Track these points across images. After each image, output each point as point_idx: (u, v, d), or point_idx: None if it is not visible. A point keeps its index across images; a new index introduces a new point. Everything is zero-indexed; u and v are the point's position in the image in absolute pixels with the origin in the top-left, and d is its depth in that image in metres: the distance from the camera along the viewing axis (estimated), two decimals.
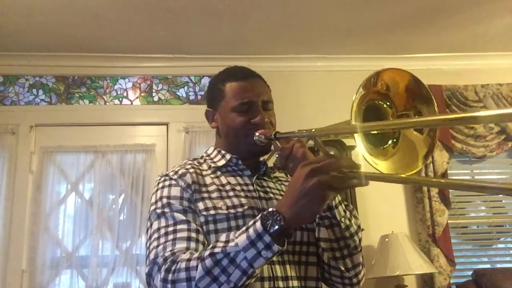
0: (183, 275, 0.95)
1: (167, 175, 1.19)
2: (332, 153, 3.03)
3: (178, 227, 1.07)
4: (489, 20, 3.03)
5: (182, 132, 3.11)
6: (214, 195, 1.15)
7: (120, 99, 3.26)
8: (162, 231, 1.07)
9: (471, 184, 0.66)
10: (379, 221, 2.99)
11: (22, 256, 2.81)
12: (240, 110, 1.22)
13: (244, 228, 0.95)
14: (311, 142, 1.15)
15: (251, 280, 0.95)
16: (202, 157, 1.31)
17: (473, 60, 3.45)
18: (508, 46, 3.37)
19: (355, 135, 0.86)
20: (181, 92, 3.32)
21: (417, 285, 3.06)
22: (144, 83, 3.31)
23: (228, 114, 1.23)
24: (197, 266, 0.94)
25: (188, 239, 1.05)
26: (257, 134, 1.19)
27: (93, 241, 2.87)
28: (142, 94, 3.29)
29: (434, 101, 0.89)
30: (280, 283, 1.08)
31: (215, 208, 1.12)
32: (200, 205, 1.12)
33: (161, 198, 1.14)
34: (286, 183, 1.31)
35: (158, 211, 1.12)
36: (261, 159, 1.29)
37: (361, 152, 0.85)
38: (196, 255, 0.97)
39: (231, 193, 1.16)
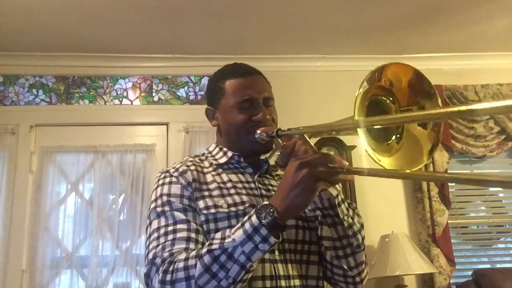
0: (181, 274, 0.95)
1: (167, 171, 1.18)
2: (332, 153, 3.04)
3: (178, 226, 1.06)
4: (489, 20, 3.04)
5: (182, 132, 3.11)
6: (215, 193, 1.14)
7: (120, 99, 3.26)
8: (162, 230, 1.07)
9: (470, 178, 0.66)
10: (379, 221, 2.99)
11: (22, 256, 2.81)
12: (241, 107, 1.21)
13: (239, 224, 0.97)
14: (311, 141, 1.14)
15: (248, 275, 0.96)
16: (203, 154, 1.29)
17: (473, 60, 3.45)
18: (508, 46, 3.37)
19: (359, 130, 0.86)
20: (181, 92, 3.32)
21: (417, 285, 3.06)
22: (144, 83, 3.31)
23: (229, 112, 1.22)
24: (195, 264, 0.95)
25: (188, 239, 1.05)
26: (258, 132, 1.18)
27: (93, 241, 2.87)
28: (142, 94, 3.29)
29: (438, 96, 0.88)
30: (283, 282, 1.08)
31: (215, 206, 1.11)
32: (201, 204, 1.11)
33: (161, 195, 1.13)
34: None
35: (158, 209, 1.11)
36: (263, 157, 1.28)
37: (364, 147, 0.85)
38: (193, 253, 0.98)
39: (232, 191, 1.15)
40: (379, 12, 2.89)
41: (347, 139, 2.95)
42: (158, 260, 1.01)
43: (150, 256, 1.03)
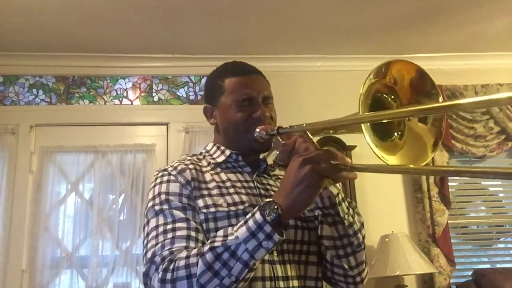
0: (182, 273, 0.93)
1: (165, 170, 1.16)
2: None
3: (177, 225, 1.04)
4: (489, 20, 3.04)
5: (182, 132, 3.12)
6: (214, 192, 1.12)
7: (120, 99, 3.26)
8: (161, 229, 1.04)
9: (470, 170, 0.66)
10: (379, 221, 2.99)
11: (22, 256, 2.81)
12: (240, 106, 1.20)
13: (242, 222, 0.96)
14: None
15: (251, 274, 0.94)
16: (201, 153, 1.28)
17: (473, 60, 3.45)
18: (508, 46, 3.37)
19: (363, 127, 0.86)
20: (181, 92, 3.32)
21: (417, 285, 3.06)
22: (144, 83, 3.31)
23: (228, 110, 1.21)
24: (197, 263, 0.92)
25: (188, 237, 1.03)
26: (257, 130, 1.17)
27: (93, 241, 2.87)
28: (142, 94, 3.29)
29: (439, 95, 0.89)
30: (281, 283, 1.07)
31: (215, 205, 1.09)
32: (200, 202, 1.09)
33: (159, 194, 1.10)
34: None
35: (156, 208, 1.08)
36: (261, 156, 1.27)
37: (369, 144, 0.85)
38: (194, 251, 0.96)
39: (231, 190, 1.14)
40: (379, 12, 2.89)
41: (347, 139, 2.95)
42: (157, 259, 0.98)
43: (149, 255, 1.01)
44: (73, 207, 2.96)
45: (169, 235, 1.03)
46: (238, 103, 1.20)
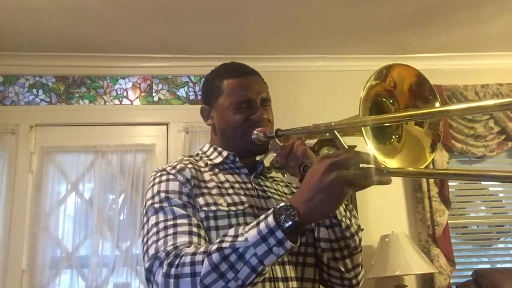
0: (187, 269, 0.89)
1: (164, 170, 1.14)
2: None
3: (178, 221, 1.02)
4: (489, 20, 3.03)
5: (182, 132, 3.12)
6: (214, 191, 1.11)
7: (120, 99, 3.26)
8: (161, 225, 1.01)
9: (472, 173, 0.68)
10: (379, 221, 2.99)
11: (22, 256, 2.81)
12: (238, 108, 1.19)
13: (254, 223, 0.89)
14: (310, 142, 1.15)
15: (259, 278, 0.89)
16: (197, 154, 1.27)
17: (473, 60, 3.45)
18: (508, 46, 3.37)
19: (363, 131, 0.86)
20: (181, 92, 3.32)
21: (417, 285, 3.06)
22: (144, 83, 3.31)
23: (226, 112, 1.20)
24: (203, 261, 0.88)
25: (190, 233, 1.00)
26: (255, 132, 1.16)
27: (93, 241, 2.87)
28: (142, 94, 3.29)
29: (437, 99, 0.89)
30: (281, 284, 1.06)
31: (215, 204, 1.08)
32: (200, 201, 1.08)
33: (158, 192, 1.08)
34: (282, 183, 1.30)
35: (156, 205, 1.06)
36: (258, 158, 1.26)
37: (370, 149, 0.85)
38: (202, 249, 0.91)
39: (230, 191, 1.13)
40: (379, 12, 2.89)
41: (347, 139, 2.95)
42: (161, 254, 0.95)
43: (152, 251, 0.98)
44: (73, 207, 2.96)
45: (171, 230, 1.00)
46: (236, 104, 1.19)
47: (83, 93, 3.23)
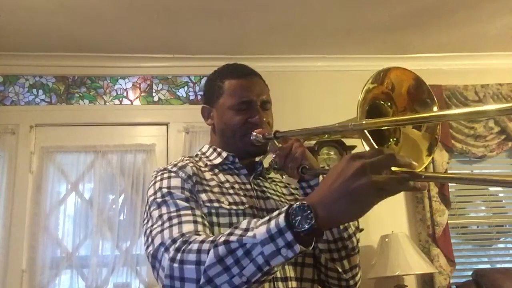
0: (193, 257, 0.86)
1: (165, 168, 1.14)
2: (332, 153, 2.99)
3: (182, 212, 1.01)
4: (489, 20, 3.03)
5: (182, 132, 3.11)
6: (216, 189, 1.12)
7: (120, 99, 3.26)
8: (165, 216, 1.00)
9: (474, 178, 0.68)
10: (379, 221, 2.98)
11: (22, 256, 2.81)
12: (238, 109, 1.20)
13: (266, 218, 0.84)
14: (309, 143, 1.15)
15: (267, 277, 0.84)
16: (197, 155, 1.28)
17: (473, 60, 3.45)
18: (508, 46, 3.37)
19: (362, 135, 0.86)
20: (181, 92, 3.32)
21: (417, 285, 3.06)
22: (144, 83, 3.31)
23: (226, 112, 1.21)
24: (209, 250, 0.85)
25: (195, 222, 0.99)
26: (254, 133, 1.17)
27: (93, 241, 2.87)
28: (142, 94, 3.29)
29: (435, 103, 0.89)
30: (280, 284, 1.06)
31: (218, 201, 1.08)
32: (203, 197, 1.08)
33: (160, 188, 1.08)
34: (281, 184, 1.30)
35: (159, 200, 1.05)
36: (257, 159, 1.27)
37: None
38: (210, 238, 0.89)
39: (231, 191, 1.14)
40: (379, 12, 2.89)
41: (347, 139, 2.95)
42: (167, 240, 0.93)
43: (158, 239, 0.95)
44: (73, 207, 2.96)
45: (175, 220, 0.99)
46: (236, 106, 1.20)
47: (83, 93, 3.23)
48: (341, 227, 1.11)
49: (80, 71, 3.24)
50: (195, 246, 0.88)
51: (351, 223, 1.13)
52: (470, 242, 3.33)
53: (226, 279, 0.83)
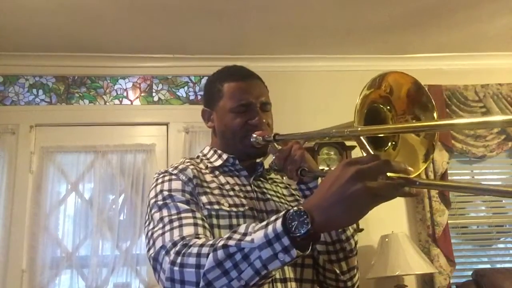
0: (192, 260, 0.89)
1: (166, 171, 1.16)
2: (332, 153, 2.99)
3: (183, 215, 1.03)
4: (489, 20, 3.03)
5: (182, 132, 3.12)
6: (216, 192, 1.13)
7: (120, 99, 3.26)
8: (166, 219, 1.02)
9: (476, 187, 0.67)
10: (379, 221, 2.98)
11: (22, 256, 2.81)
12: (238, 111, 1.20)
13: (264, 223, 0.85)
14: (309, 143, 1.16)
15: (265, 281, 0.86)
16: (198, 157, 1.29)
17: (473, 60, 3.45)
18: (508, 46, 3.37)
19: (361, 139, 0.86)
20: (181, 92, 3.32)
21: (417, 285, 3.06)
22: (144, 83, 3.31)
23: (226, 115, 1.22)
24: (208, 254, 0.87)
25: (195, 224, 1.01)
26: (254, 135, 1.18)
27: (93, 241, 2.87)
28: (142, 94, 3.29)
29: (435, 108, 0.89)
30: (279, 285, 1.08)
31: (218, 203, 1.10)
32: (204, 199, 1.10)
33: (161, 191, 1.10)
34: (282, 185, 1.31)
35: (160, 202, 1.07)
36: (258, 160, 1.27)
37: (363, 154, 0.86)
38: (210, 242, 0.90)
39: (231, 193, 1.15)
40: (379, 12, 2.89)
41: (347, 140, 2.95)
42: (168, 243, 0.96)
43: (159, 242, 0.98)
44: (73, 207, 2.96)
45: (176, 223, 1.01)
46: (236, 108, 1.20)
47: (83, 93, 3.23)
48: (339, 229, 1.12)
49: (80, 71, 3.24)
50: (194, 250, 0.90)
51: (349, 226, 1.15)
52: (470, 242, 3.33)
53: (225, 282, 0.85)
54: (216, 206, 1.09)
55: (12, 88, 3.18)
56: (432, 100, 0.90)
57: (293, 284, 1.11)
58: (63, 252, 2.87)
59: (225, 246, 0.86)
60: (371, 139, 0.91)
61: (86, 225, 2.93)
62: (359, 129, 0.87)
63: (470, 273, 2.99)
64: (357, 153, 2.99)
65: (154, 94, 3.29)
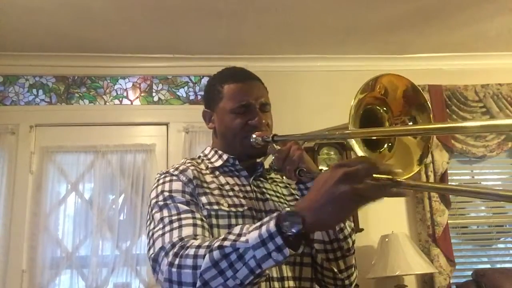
0: (189, 261, 0.92)
1: (167, 172, 1.19)
2: (332, 153, 3.00)
3: (183, 215, 1.06)
4: (489, 20, 3.03)
5: (182, 132, 3.12)
6: (216, 192, 1.16)
7: (120, 99, 3.26)
8: (166, 220, 1.06)
9: (476, 191, 0.67)
10: (379, 221, 2.99)
11: (22, 256, 2.81)
12: (238, 112, 1.22)
13: (258, 224, 0.89)
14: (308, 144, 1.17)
15: (259, 280, 0.91)
16: (199, 157, 1.31)
17: (473, 60, 3.44)
18: (508, 46, 3.37)
19: (353, 140, 0.88)
20: (181, 92, 3.32)
21: (417, 285, 3.06)
22: (144, 83, 3.31)
23: (226, 116, 1.24)
24: (204, 255, 0.91)
25: (195, 225, 1.04)
26: (254, 136, 1.20)
27: (93, 241, 2.87)
28: (142, 94, 3.29)
29: (430, 109, 0.90)
30: (276, 284, 1.10)
31: (217, 203, 1.12)
32: (203, 199, 1.12)
33: (162, 192, 1.13)
34: (282, 184, 1.33)
35: (160, 203, 1.10)
36: (258, 160, 1.29)
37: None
38: (206, 243, 0.94)
39: (230, 193, 1.17)
40: (379, 12, 2.89)
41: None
42: (167, 245, 0.99)
43: (159, 243, 1.01)
44: (73, 207, 2.96)
45: (176, 224, 1.04)
46: (235, 109, 1.23)
47: (83, 93, 3.23)
48: (337, 228, 1.14)
49: (80, 71, 3.24)
50: (191, 251, 0.94)
51: (347, 224, 1.17)
52: (470, 242, 3.33)
53: (221, 281, 0.89)
54: (215, 206, 1.11)
55: (12, 88, 3.18)
56: (428, 102, 0.91)
57: (291, 282, 1.13)
58: (63, 252, 2.87)
59: (220, 247, 0.89)
60: (367, 140, 0.92)
61: (86, 225, 2.93)
62: (349, 131, 0.89)
63: (470, 273, 2.99)
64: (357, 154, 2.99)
65: (154, 94, 3.29)
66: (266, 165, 1.31)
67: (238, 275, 0.88)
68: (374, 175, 0.81)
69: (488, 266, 3.27)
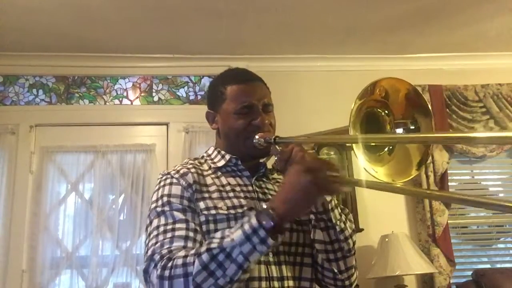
0: (180, 271, 0.98)
1: (168, 173, 1.21)
2: (332, 153, 3.03)
3: (177, 225, 1.10)
4: (489, 20, 3.03)
5: (182, 132, 3.11)
6: (215, 195, 1.17)
7: (120, 99, 3.26)
8: (161, 228, 1.10)
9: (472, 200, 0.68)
10: (379, 221, 2.99)
11: (22, 256, 2.81)
12: (241, 113, 1.24)
13: (239, 225, 0.99)
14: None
15: (245, 275, 0.99)
16: (202, 157, 1.33)
17: (473, 60, 3.44)
18: (508, 46, 3.37)
19: (354, 145, 0.90)
20: (181, 92, 3.32)
21: (417, 285, 3.06)
22: (144, 83, 3.31)
23: (229, 117, 1.26)
24: (193, 262, 0.97)
25: (186, 238, 1.08)
26: (256, 137, 1.22)
27: (93, 241, 2.87)
28: (142, 94, 3.29)
29: (432, 113, 0.91)
30: (276, 283, 1.11)
31: (215, 208, 1.14)
32: (201, 205, 1.14)
33: (161, 196, 1.16)
34: None
35: (158, 209, 1.14)
36: (261, 160, 1.30)
37: (359, 161, 0.89)
38: (192, 251, 1.00)
39: (231, 194, 1.18)
40: (379, 12, 2.89)
41: None
42: (156, 257, 1.03)
43: (149, 252, 1.06)
44: (73, 207, 2.96)
45: (169, 234, 1.08)
46: (238, 110, 1.24)
47: (83, 93, 3.23)
48: (338, 229, 1.16)
49: (80, 71, 3.24)
50: (179, 261, 0.99)
51: (348, 225, 1.19)
52: (470, 242, 3.33)
53: (212, 282, 0.96)
54: (213, 211, 1.14)
55: (12, 88, 3.18)
56: (429, 106, 0.92)
57: (291, 282, 1.14)
58: (63, 252, 2.87)
59: (208, 250, 0.97)
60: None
61: (86, 225, 2.93)
62: (353, 137, 0.93)
63: (470, 273, 2.99)
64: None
65: (154, 94, 3.29)
66: (269, 166, 1.32)
67: (227, 272, 0.96)
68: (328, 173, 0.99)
69: (488, 266, 3.27)
